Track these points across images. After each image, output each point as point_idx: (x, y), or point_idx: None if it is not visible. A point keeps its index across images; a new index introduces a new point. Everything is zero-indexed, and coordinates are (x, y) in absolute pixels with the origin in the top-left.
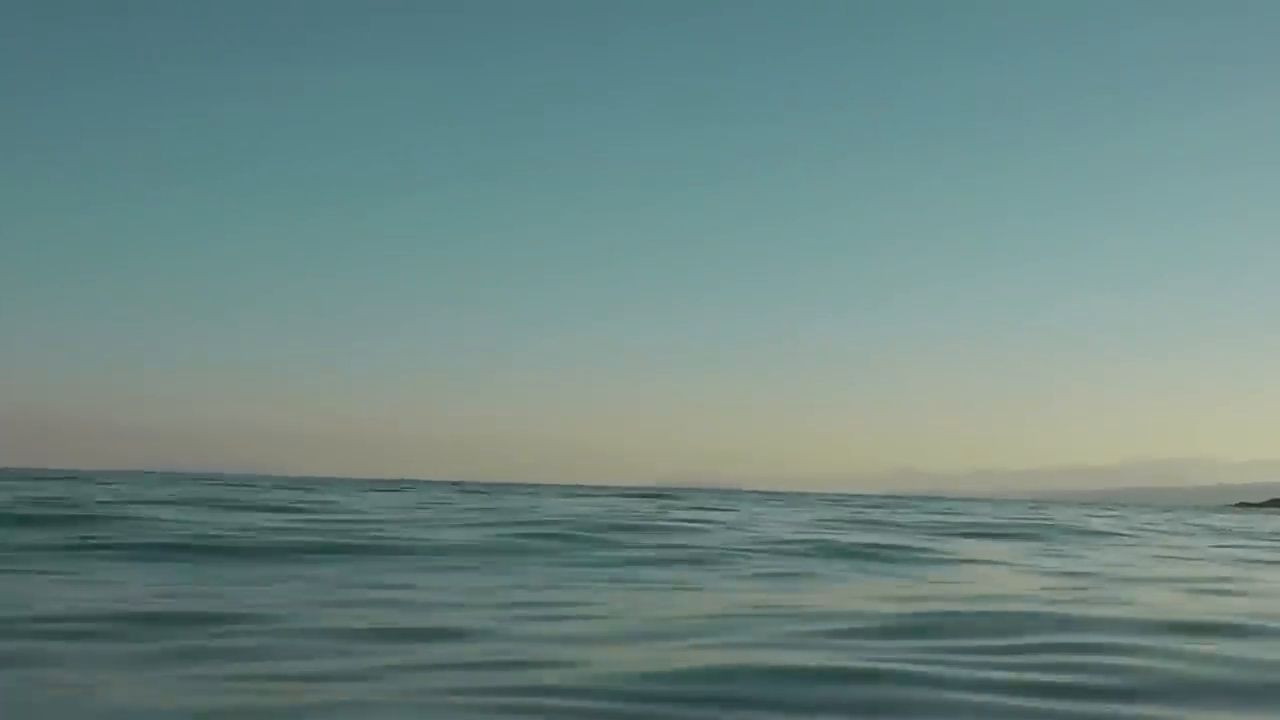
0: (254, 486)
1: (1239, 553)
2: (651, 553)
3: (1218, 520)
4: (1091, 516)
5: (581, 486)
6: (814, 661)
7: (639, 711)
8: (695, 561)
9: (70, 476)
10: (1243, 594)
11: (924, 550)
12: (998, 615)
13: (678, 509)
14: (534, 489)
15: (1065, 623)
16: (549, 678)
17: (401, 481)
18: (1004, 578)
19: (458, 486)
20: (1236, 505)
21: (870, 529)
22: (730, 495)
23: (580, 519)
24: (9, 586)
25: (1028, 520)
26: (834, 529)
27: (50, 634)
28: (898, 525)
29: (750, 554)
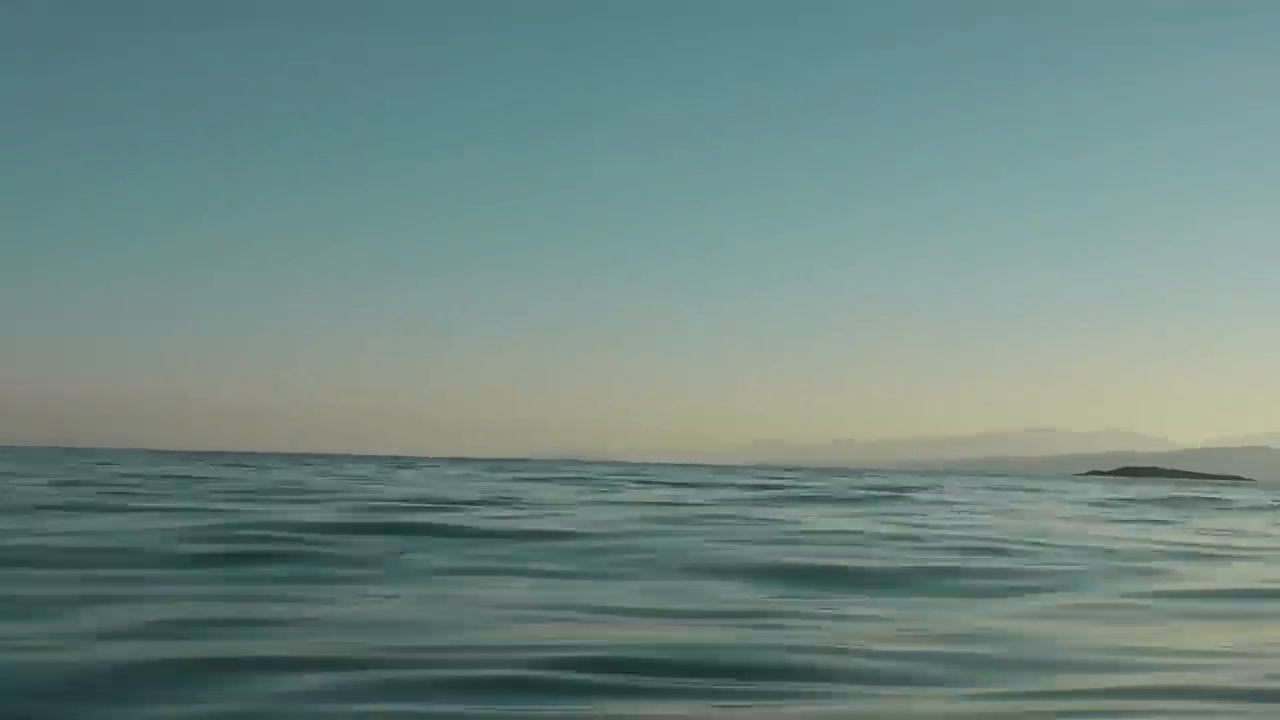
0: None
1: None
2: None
3: (1051, 486)
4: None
5: (436, 460)
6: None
7: None
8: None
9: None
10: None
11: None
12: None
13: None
14: (375, 459)
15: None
16: None
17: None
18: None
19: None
20: (1088, 473)
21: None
22: (586, 466)
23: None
24: None
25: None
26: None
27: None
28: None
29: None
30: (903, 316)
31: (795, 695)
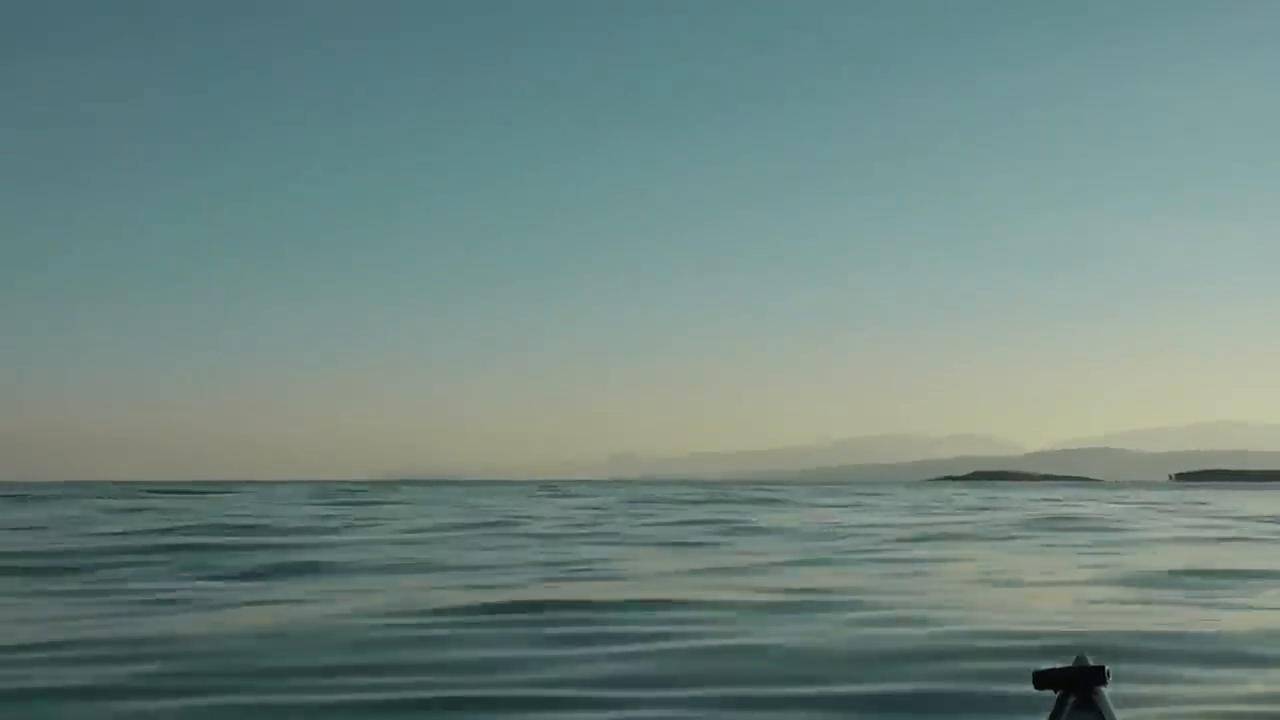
0: None
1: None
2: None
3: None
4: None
5: (297, 481)
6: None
7: None
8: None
9: None
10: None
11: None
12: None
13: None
14: (232, 487)
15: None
16: None
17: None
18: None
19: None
20: (941, 479)
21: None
22: (444, 486)
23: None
24: None
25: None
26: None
27: None
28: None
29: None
30: (757, 327)
31: None
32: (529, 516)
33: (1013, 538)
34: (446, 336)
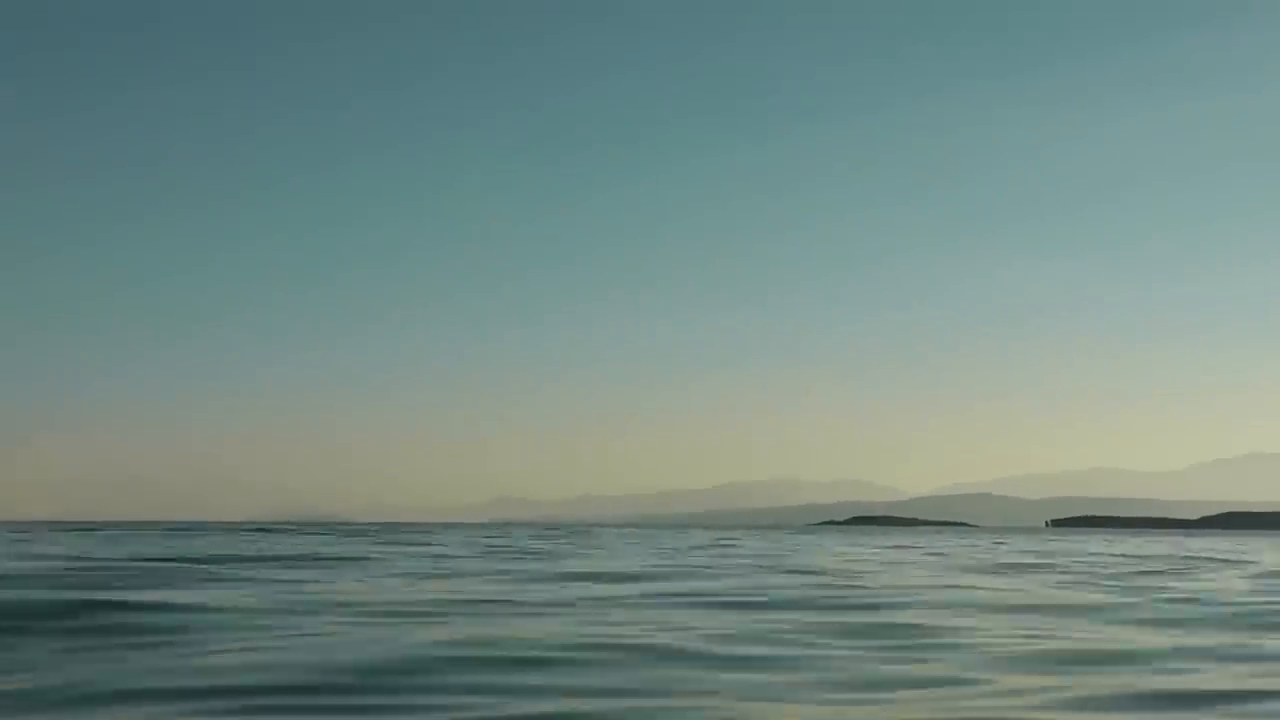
0: None
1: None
2: None
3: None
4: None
5: (180, 524)
6: None
7: None
8: None
9: None
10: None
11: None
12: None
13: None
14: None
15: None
16: None
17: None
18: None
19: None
20: (824, 523)
21: None
22: (334, 529)
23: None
24: None
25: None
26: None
27: None
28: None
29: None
30: (641, 370)
31: None
32: None
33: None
34: (331, 373)
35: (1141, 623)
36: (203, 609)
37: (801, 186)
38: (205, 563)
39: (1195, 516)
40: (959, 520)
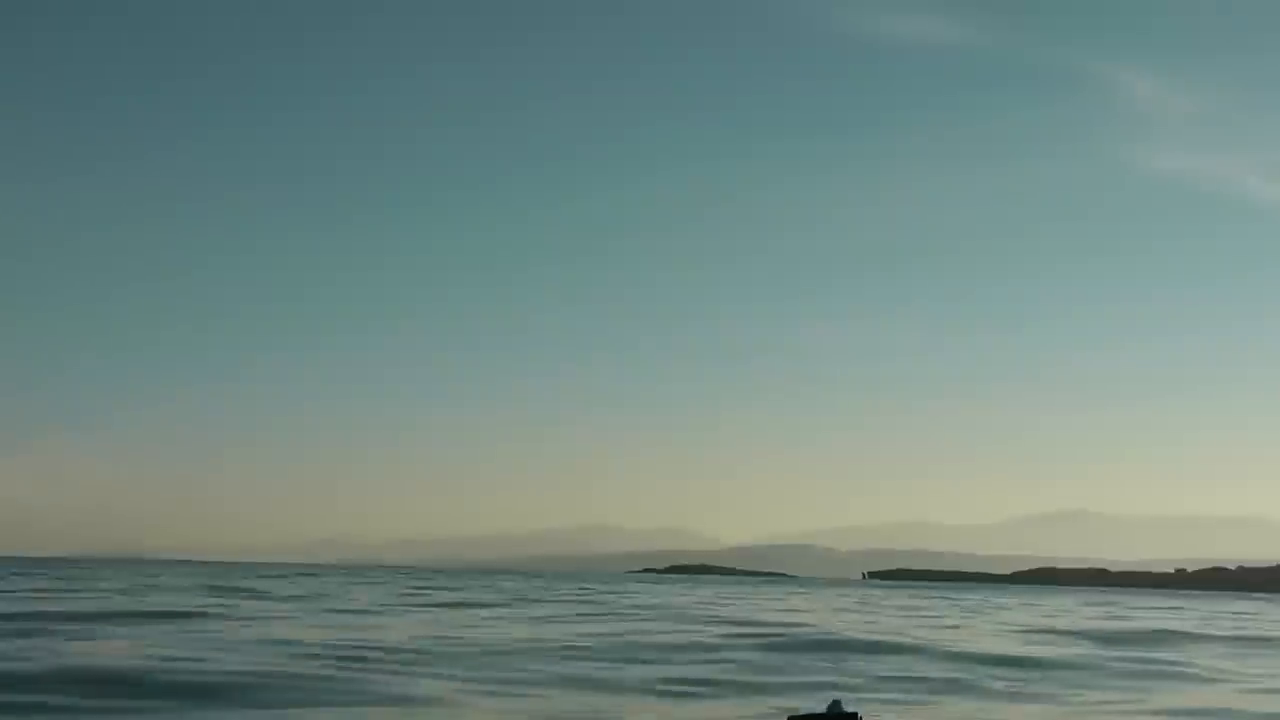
0: None
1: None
2: None
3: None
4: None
5: None
6: None
7: None
8: None
9: None
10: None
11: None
12: None
13: None
14: None
15: None
16: None
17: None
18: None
19: None
20: (643, 570)
21: None
22: (140, 564)
23: None
24: None
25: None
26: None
27: None
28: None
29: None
30: (456, 414)
31: None
32: None
33: None
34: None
35: None
36: None
37: (625, 238)
38: None
39: (1008, 571)
40: (776, 571)
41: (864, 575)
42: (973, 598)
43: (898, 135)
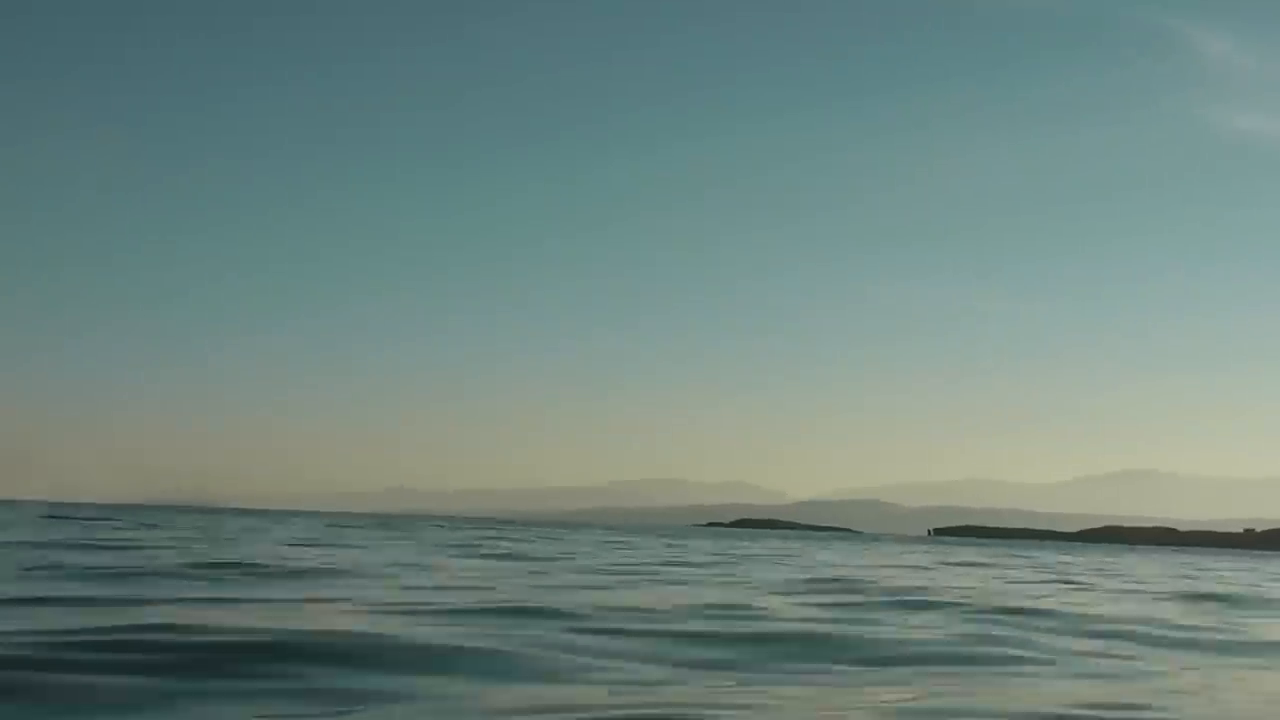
0: None
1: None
2: None
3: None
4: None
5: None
6: None
7: None
8: None
9: None
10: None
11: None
12: None
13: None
14: None
15: None
16: None
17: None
18: None
19: None
20: (708, 524)
21: None
22: (215, 514)
23: None
24: None
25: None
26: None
27: None
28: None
29: None
30: (535, 365)
31: None
32: None
33: None
34: (231, 365)
35: None
36: None
37: (700, 198)
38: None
39: (1072, 530)
40: (843, 526)
41: (929, 532)
42: (1048, 557)
43: (982, 96)
